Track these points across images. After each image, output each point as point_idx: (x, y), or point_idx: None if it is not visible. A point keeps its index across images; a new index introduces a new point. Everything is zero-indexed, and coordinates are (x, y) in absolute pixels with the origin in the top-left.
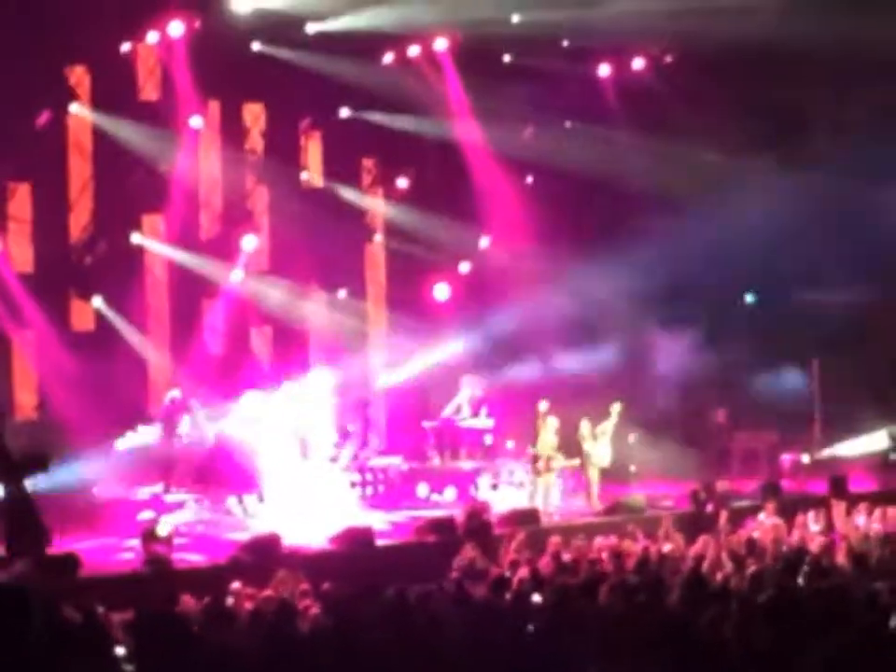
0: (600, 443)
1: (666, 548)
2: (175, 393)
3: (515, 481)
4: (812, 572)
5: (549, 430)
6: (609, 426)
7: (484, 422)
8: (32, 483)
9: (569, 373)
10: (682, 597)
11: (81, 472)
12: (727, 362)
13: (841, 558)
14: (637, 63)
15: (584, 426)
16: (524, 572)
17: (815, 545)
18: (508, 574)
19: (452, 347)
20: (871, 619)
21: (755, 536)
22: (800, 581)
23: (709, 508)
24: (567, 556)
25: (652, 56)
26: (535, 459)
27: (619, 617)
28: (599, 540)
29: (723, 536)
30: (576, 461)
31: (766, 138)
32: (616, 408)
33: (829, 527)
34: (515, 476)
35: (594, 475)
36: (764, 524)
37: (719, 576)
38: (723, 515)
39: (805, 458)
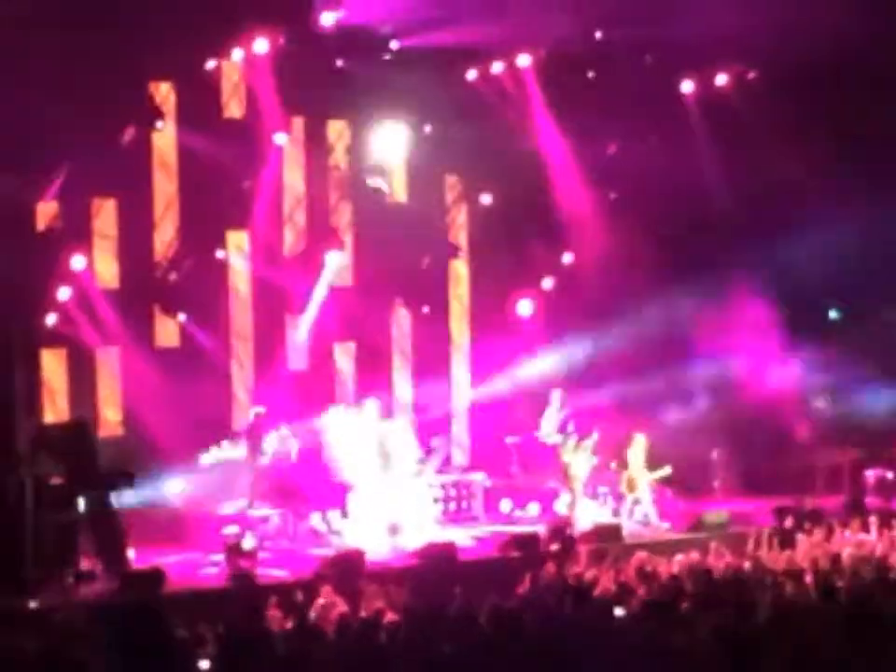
0: (580, 457)
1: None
2: (259, 409)
3: (599, 496)
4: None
5: (636, 450)
6: (590, 443)
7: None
8: (118, 499)
9: (655, 389)
10: (768, 614)
11: (166, 488)
12: (814, 378)
13: None
14: (721, 80)
15: (568, 441)
16: (605, 586)
17: None
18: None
19: (536, 363)
20: None
21: (840, 552)
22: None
23: (793, 524)
24: (648, 572)
25: (736, 72)
26: (628, 482)
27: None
28: (680, 557)
29: (807, 552)
30: (666, 470)
31: (853, 154)
32: (594, 436)
33: None
34: (599, 492)
35: (576, 488)
36: (850, 540)
37: (803, 592)
38: (807, 533)
39: (890, 475)
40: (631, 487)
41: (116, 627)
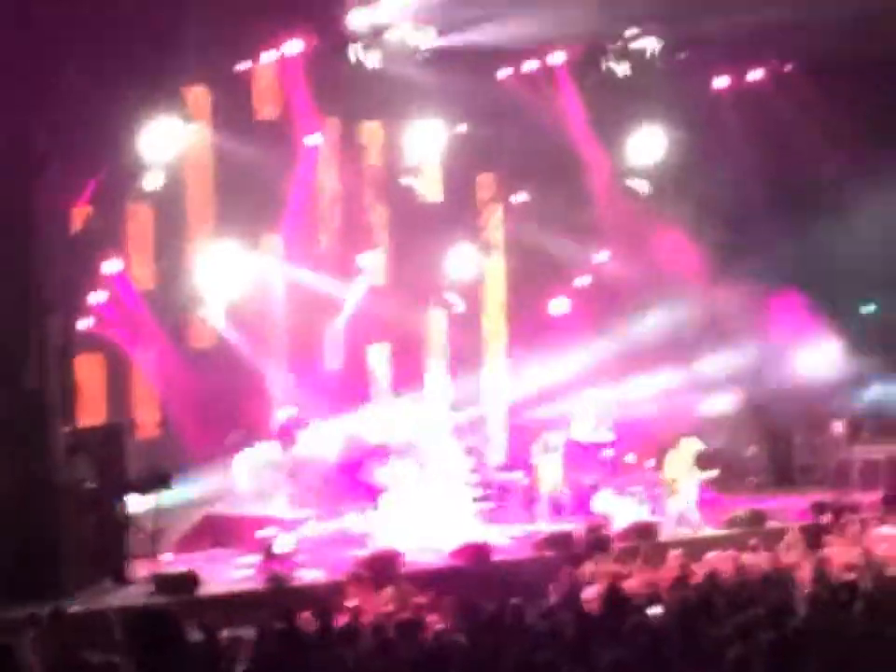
0: (551, 460)
1: (786, 560)
2: (290, 410)
3: (635, 495)
4: None
5: (684, 453)
6: (559, 441)
7: (605, 435)
8: (155, 500)
9: (692, 383)
10: (807, 611)
11: (201, 489)
12: (848, 373)
13: None
14: (756, 74)
15: (540, 441)
16: (640, 585)
17: None
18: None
19: (572, 361)
20: None
21: (875, 548)
22: None
23: (830, 520)
24: (685, 570)
25: (771, 66)
26: (670, 485)
27: (740, 630)
28: (714, 554)
29: (844, 548)
30: (713, 473)
31: (889, 145)
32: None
33: None
34: (635, 490)
35: (544, 490)
36: (885, 535)
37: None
38: (844, 528)
39: None
40: (673, 490)
41: (134, 632)
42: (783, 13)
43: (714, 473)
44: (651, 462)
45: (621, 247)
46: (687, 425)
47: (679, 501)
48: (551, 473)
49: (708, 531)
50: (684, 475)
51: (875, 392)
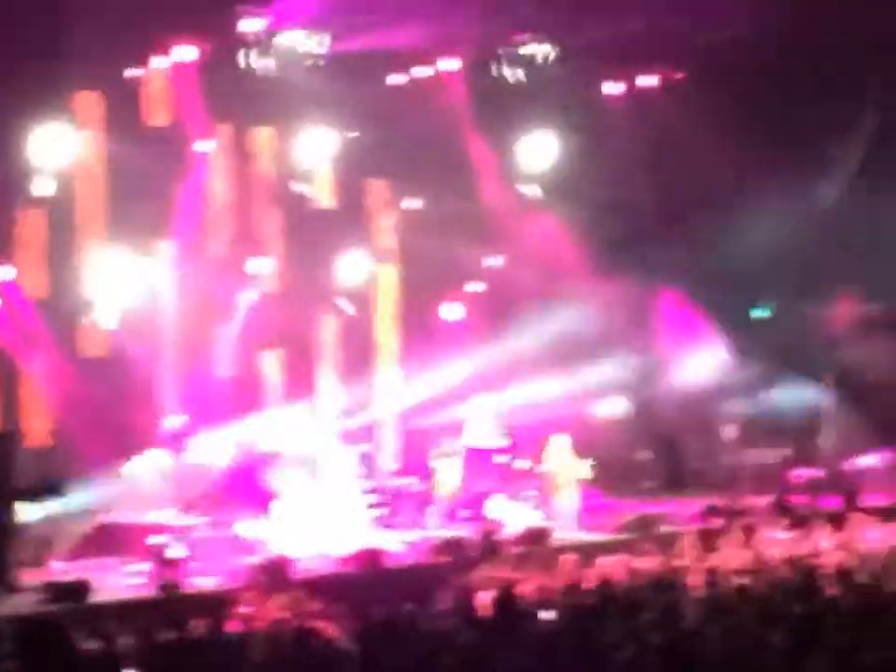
0: (449, 465)
1: (678, 564)
2: (181, 417)
3: (528, 500)
4: (824, 586)
5: (557, 451)
6: (457, 448)
7: (499, 441)
8: (45, 508)
9: (583, 389)
10: (695, 615)
11: (93, 497)
12: (738, 377)
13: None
14: (648, 81)
15: (438, 446)
16: (532, 589)
17: (828, 559)
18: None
19: (465, 367)
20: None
21: (767, 552)
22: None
23: (721, 524)
24: (577, 575)
25: (663, 73)
26: (546, 480)
27: (632, 633)
28: (608, 559)
29: (735, 552)
30: (586, 466)
31: (778, 152)
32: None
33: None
34: (528, 495)
35: (441, 496)
36: (776, 539)
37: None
38: (735, 531)
39: (818, 473)
40: (554, 489)
41: (23, 641)
42: (673, 21)
43: (587, 467)
44: (542, 467)
45: (513, 252)
46: (578, 429)
47: (564, 498)
48: (449, 479)
49: (601, 536)
50: (565, 471)
51: (767, 397)
